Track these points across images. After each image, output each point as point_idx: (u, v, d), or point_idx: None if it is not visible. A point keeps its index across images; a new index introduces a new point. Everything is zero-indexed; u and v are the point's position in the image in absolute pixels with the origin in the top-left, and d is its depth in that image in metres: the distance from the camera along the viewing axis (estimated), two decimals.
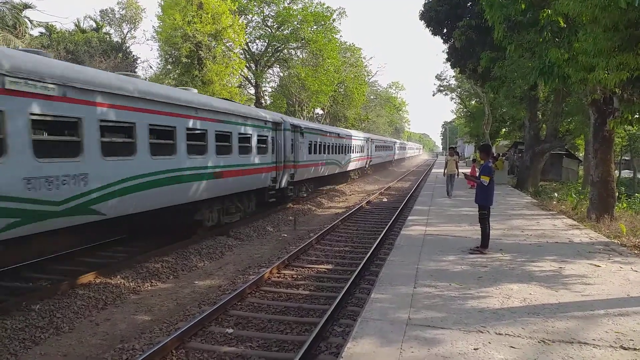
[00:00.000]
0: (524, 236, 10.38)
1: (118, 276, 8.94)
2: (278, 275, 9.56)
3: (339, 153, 28.18)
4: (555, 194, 20.29)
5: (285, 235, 14.21)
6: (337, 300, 7.41)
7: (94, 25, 42.57)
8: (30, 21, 33.55)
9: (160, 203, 10.26)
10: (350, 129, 37.02)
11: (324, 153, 24.58)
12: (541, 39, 10.90)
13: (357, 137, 34.78)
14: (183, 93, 11.60)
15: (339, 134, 28.48)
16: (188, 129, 11.11)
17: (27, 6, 29.51)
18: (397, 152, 63.77)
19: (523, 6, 10.53)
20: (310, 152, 21.72)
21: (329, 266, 10.29)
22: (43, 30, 37.74)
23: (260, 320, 7.08)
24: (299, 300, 8.03)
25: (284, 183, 18.01)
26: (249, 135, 14.58)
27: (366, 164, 38.91)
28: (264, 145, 15.86)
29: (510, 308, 5.67)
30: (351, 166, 32.61)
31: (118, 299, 8.11)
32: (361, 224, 15.76)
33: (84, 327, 6.97)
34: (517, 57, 13.57)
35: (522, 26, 11.83)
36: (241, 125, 14.05)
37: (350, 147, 31.87)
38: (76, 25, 40.95)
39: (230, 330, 6.62)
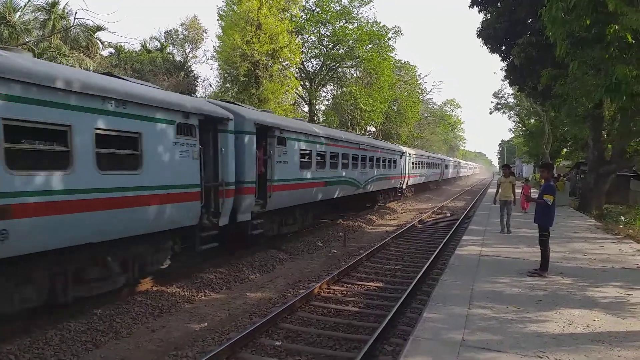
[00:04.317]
0: (586, 260, 9.87)
1: (174, 285, 9.26)
2: (328, 290, 9.55)
3: (427, 168, 40.57)
4: (622, 218, 19.16)
5: (335, 251, 14.20)
6: (388, 318, 7.30)
7: (159, 45, 44.76)
8: (102, 42, 35.75)
9: (377, 188, 23.81)
10: (402, 146, 36.99)
11: (419, 169, 37.19)
12: (607, 56, 10.41)
13: (435, 158, 47.09)
14: (388, 145, 29.09)
15: (427, 156, 41.45)
16: (381, 158, 24.70)
17: (100, 28, 31.35)
18: (460, 170, 78.41)
19: (588, 22, 10.09)
20: (407, 168, 32.29)
21: (379, 284, 10.17)
22: (112, 51, 40.05)
23: (309, 335, 7.09)
24: (348, 317, 7.97)
25: (404, 186, 31.72)
26: (390, 158, 27.16)
27: (440, 177, 50.54)
28: (395, 164, 28.44)
29: (572, 334, 5.39)
30: (432, 178, 44.99)
31: (173, 307, 8.38)
32: (413, 242, 15.50)
33: (141, 332, 7.24)
34: (580, 75, 13.02)
35: (587, 42, 11.35)
36: (390, 154, 27.03)
37: (432, 164, 43.75)
38: (142, 46, 43.18)
39: (278, 343, 6.66)
